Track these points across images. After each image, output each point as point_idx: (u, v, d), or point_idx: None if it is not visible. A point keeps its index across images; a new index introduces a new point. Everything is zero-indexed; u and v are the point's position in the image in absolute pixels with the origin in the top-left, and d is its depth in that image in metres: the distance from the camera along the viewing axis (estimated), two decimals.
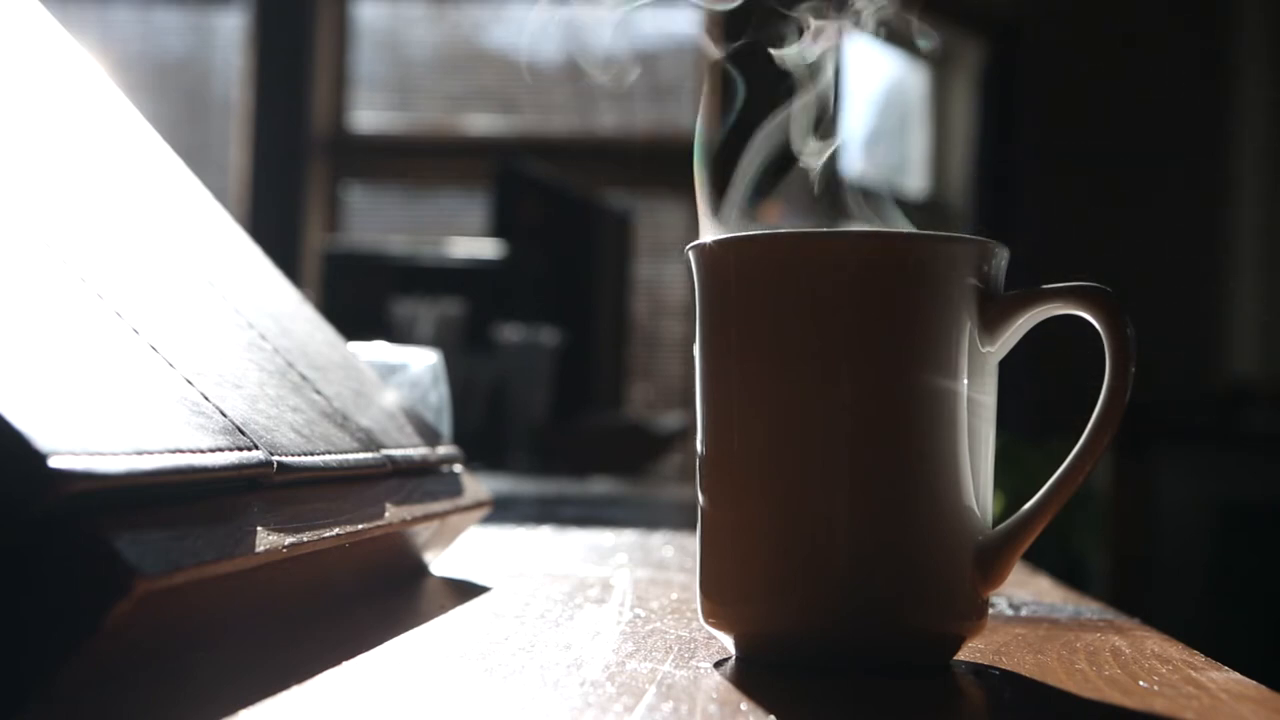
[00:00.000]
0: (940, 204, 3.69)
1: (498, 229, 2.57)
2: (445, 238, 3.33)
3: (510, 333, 2.09)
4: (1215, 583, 3.17)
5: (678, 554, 0.72)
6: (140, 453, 0.33)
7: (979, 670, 0.41)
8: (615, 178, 3.49)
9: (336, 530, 0.44)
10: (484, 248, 2.60)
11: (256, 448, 0.40)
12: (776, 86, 0.46)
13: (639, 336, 3.43)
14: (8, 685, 0.29)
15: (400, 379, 0.69)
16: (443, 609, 0.50)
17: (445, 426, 0.70)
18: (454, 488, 0.61)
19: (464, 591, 0.55)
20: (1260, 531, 3.12)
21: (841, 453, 0.39)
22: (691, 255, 0.43)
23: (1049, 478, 0.41)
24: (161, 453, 0.34)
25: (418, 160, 3.66)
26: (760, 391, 0.40)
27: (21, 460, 0.29)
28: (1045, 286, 0.41)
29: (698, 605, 0.43)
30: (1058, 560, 2.77)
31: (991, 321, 0.41)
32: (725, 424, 0.42)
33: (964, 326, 0.40)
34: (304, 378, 0.52)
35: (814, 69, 0.45)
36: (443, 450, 0.63)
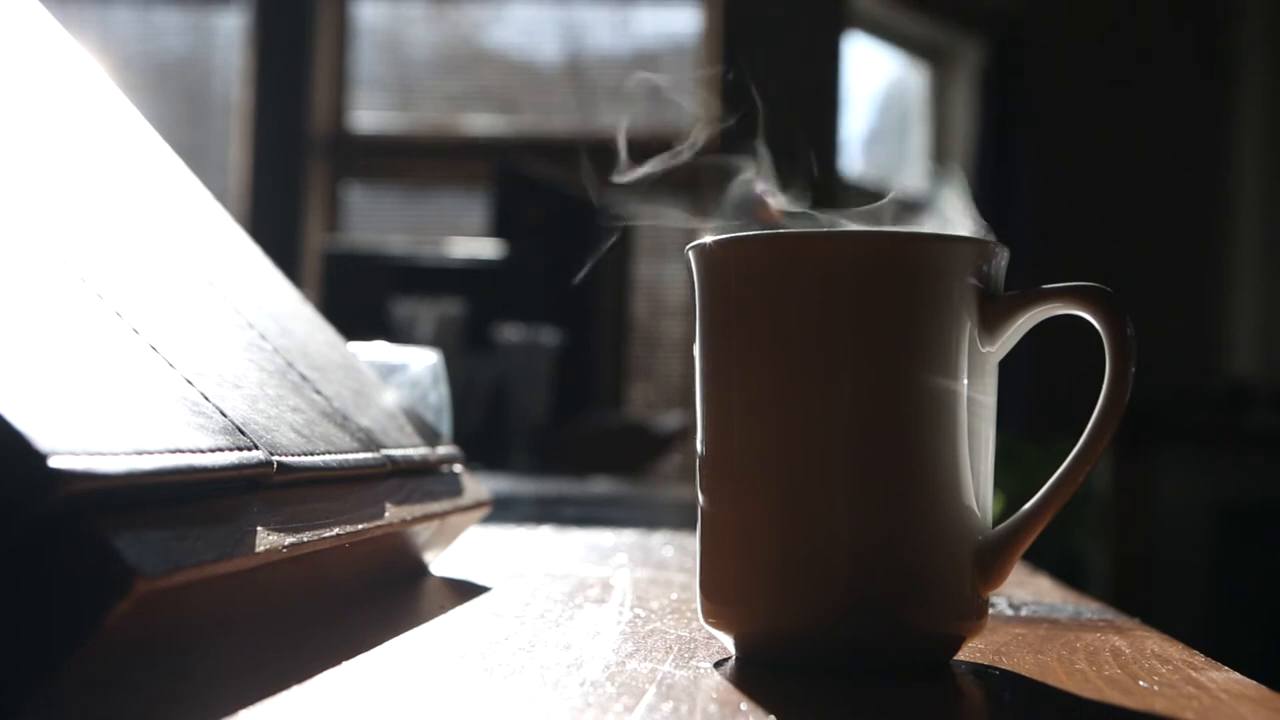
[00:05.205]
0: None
1: (498, 229, 2.57)
2: (445, 238, 3.34)
3: (510, 333, 2.08)
4: (1215, 583, 3.17)
5: (678, 554, 0.72)
6: (140, 453, 0.33)
7: (979, 670, 0.41)
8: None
9: (336, 530, 0.44)
10: (484, 248, 2.60)
11: (256, 448, 0.40)
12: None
13: (639, 336, 3.43)
14: (8, 685, 0.29)
15: (400, 379, 0.69)
16: (443, 609, 0.50)
17: (445, 426, 0.70)
18: (454, 488, 0.61)
19: (464, 591, 0.55)
20: (1260, 531, 3.12)
21: (841, 453, 0.39)
22: (691, 255, 0.43)
23: (1049, 477, 0.41)
24: (161, 453, 0.34)
25: (418, 160, 3.66)
26: (760, 391, 0.40)
27: (21, 460, 0.29)
28: (1045, 286, 0.41)
29: (698, 605, 0.43)
30: (1058, 560, 2.77)
31: (991, 321, 0.41)
32: (725, 424, 0.42)
33: (964, 326, 0.40)
34: (304, 378, 0.52)
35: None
36: (443, 450, 0.63)
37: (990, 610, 0.43)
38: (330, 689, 0.35)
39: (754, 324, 0.41)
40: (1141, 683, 0.39)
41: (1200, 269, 3.61)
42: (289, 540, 0.39)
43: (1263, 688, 0.38)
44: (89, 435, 0.31)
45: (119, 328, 0.39)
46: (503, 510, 0.92)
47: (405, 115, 3.69)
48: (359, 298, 2.36)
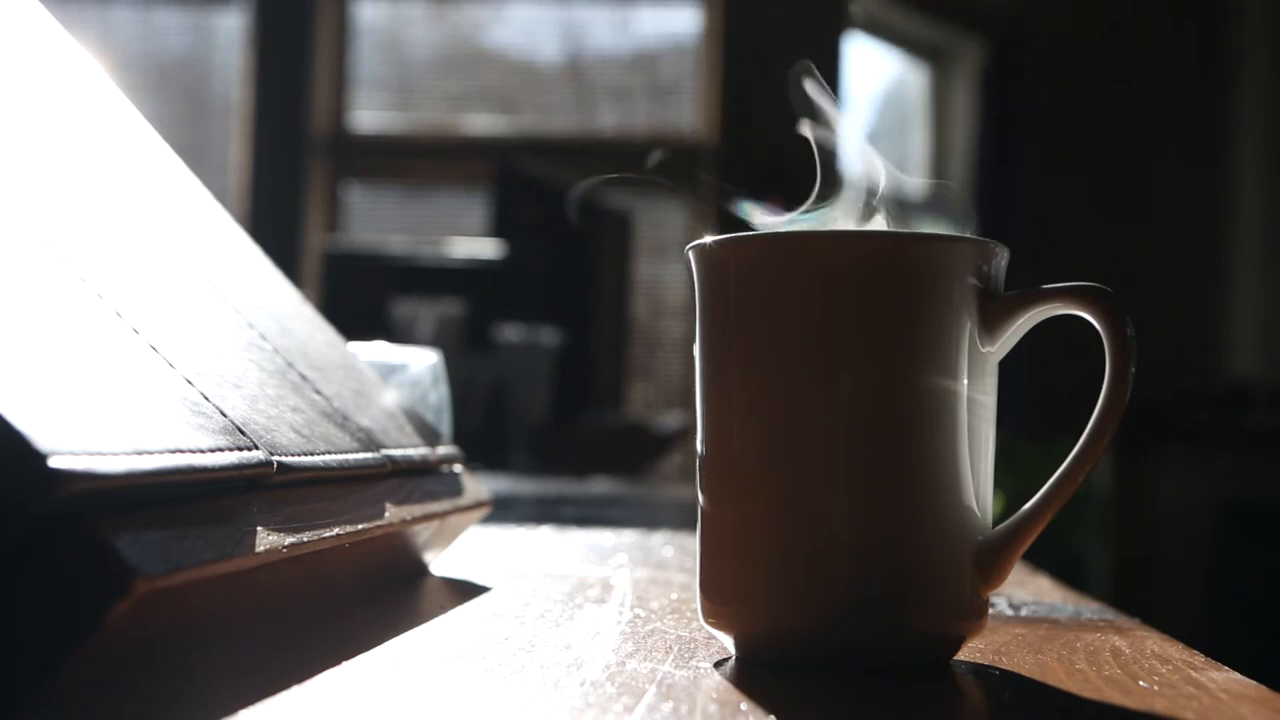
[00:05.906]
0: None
1: (498, 229, 2.57)
2: (445, 238, 3.34)
3: (510, 333, 2.08)
4: (1215, 583, 3.17)
5: (678, 554, 0.72)
6: (140, 453, 0.33)
7: (979, 670, 0.41)
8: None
9: (336, 530, 0.44)
10: (484, 248, 2.60)
11: (256, 448, 0.40)
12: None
13: (639, 336, 3.43)
14: (8, 685, 0.29)
15: (400, 379, 0.69)
16: (443, 609, 0.50)
17: (445, 426, 0.70)
18: (454, 488, 0.61)
19: (464, 591, 0.55)
20: (1260, 531, 3.12)
21: (841, 453, 0.39)
22: (691, 255, 0.43)
23: (1049, 477, 0.41)
24: (161, 453, 0.34)
25: (418, 160, 3.66)
26: (760, 391, 0.40)
27: (21, 460, 0.29)
28: (1045, 286, 0.41)
29: (698, 605, 0.43)
30: (1058, 560, 2.77)
31: (991, 321, 0.41)
32: (725, 424, 0.42)
33: (964, 326, 0.40)
34: (304, 378, 0.52)
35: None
36: (443, 450, 0.63)
37: (990, 610, 0.43)
38: (330, 689, 0.35)
39: (754, 324, 0.41)
40: (1141, 683, 0.39)
41: (1200, 269, 3.61)
42: (289, 540, 0.39)
43: (1263, 688, 0.38)
44: (89, 435, 0.31)
45: (119, 328, 0.39)
46: (503, 510, 0.92)
47: (405, 115, 3.69)
48: (359, 298, 2.36)
